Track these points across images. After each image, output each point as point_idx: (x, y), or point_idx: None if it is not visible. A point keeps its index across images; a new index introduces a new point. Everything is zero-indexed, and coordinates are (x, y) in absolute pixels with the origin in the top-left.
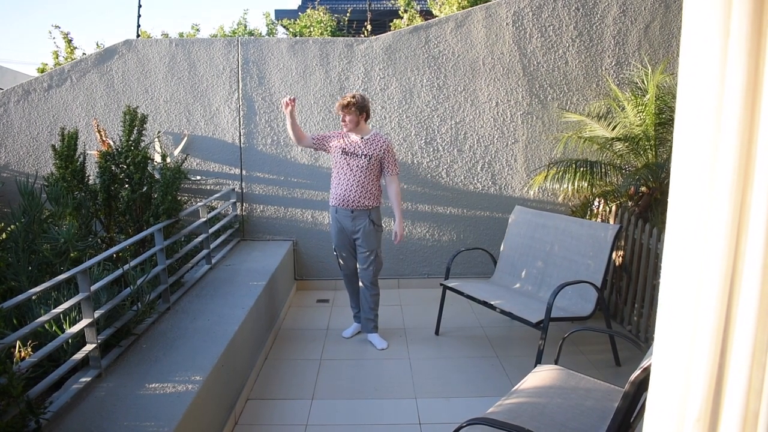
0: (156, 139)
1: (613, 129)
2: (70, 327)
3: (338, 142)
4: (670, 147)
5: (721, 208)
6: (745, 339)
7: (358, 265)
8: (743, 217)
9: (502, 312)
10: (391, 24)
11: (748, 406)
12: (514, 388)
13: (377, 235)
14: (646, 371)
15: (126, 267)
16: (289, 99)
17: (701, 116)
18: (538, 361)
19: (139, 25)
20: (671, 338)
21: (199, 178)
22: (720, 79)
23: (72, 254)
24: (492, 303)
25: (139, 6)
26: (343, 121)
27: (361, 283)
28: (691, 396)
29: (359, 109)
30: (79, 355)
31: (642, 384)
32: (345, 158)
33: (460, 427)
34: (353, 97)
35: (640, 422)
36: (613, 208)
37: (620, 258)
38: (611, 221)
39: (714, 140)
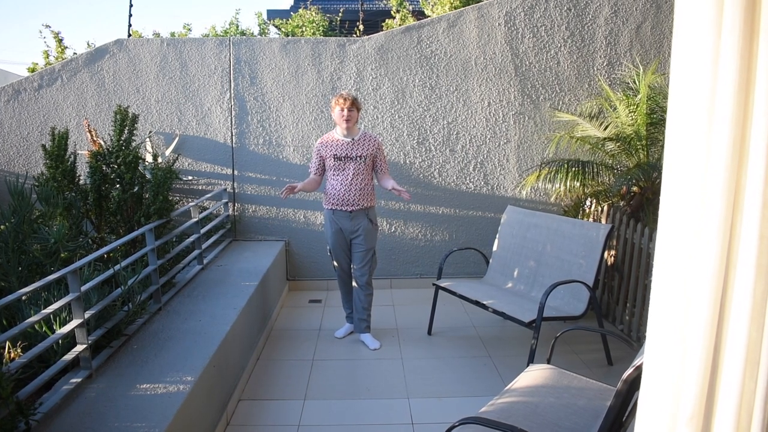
0: (147, 139)
1: (605, 129)
2: (60, 328)
3: (330, 152)
4: (662, 147)
5: (713, 205)
6: (738, 337)
7: (353, 265)
8: (736, 214)
9: (495, 312)
10: (383, 24)
11: (742, 404)
12: (507, 387)
13: (375, 233)
14: (639, 370)
15: (117, 267)
16: (285, 192)
17: (693, 115)
18: (531, 360)
19: (130, 25)
20: (663, 336)
21: (190, 178)
22: (712, 77)
23: (62, 255)
24: (484, 303)
25: (131, 5)
26: (349, 117)
27: (355, 283)
28: (684, 394)
29: (360, 106)
30: (69, 356)
31: (634, 382)
32: (339, 163)
33: (453, 427)
34: (354, 94)
35: (632, 421)
36: (605, 208)
37: (612, 258)
38: (603, 221)
39: (706, 138)
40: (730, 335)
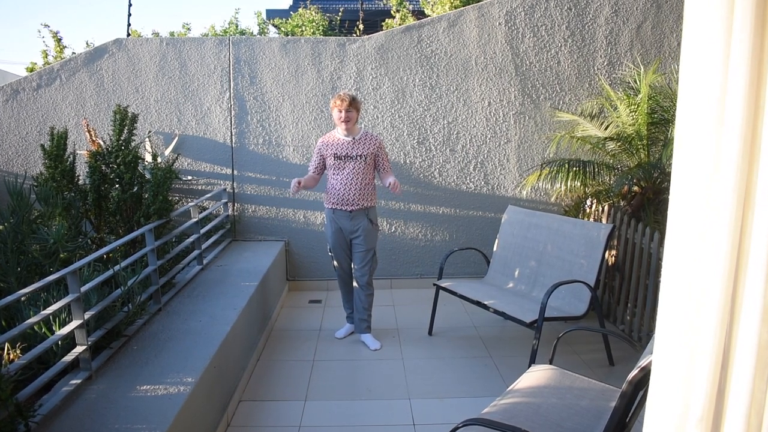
0: (146, 139)
1: (605, 129)
2: (59, 329)
3: (330, 151)
4: (663, 146)
5: (723, 205)
6: (748, 338)
7: (354, 265)
8: (746, 214)
9: (496, 312)
10: (383, 24)
11: (752, 405)
12: (509, 388)
13: (375, 233)
14: (644, 370)
15: (116, 268)
16: (294, 190)
17: (703, 114)
18: (532, 361)
19: (129, 24)
20: (672, 337)
21: (190, 178)
22: (723, 76)
23: (62, 255)
24: (485, 303)
25: (130, 5)
26: (347, 118)
27: (356, 283)
28: (694, 396)
29: (358, 106)
30: (68, 357)
31: (639, 384)
32: (339, 162)
33: (456, 428)
34: (352, 94)
35: (635, 421)
36: (606, 208)
37: (613, 258)
38: (604, 221)
39: (716, 139)
40: (740, 336)
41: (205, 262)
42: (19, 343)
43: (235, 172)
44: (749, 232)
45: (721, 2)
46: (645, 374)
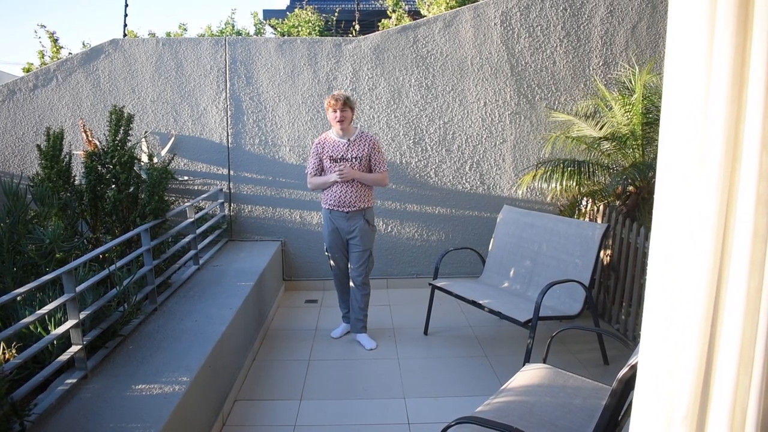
0: (143, 139)
1: (600, 128)
2: (55, 328)
3: (326, 153)
4: (657, 146)
5: (707, 201)
6: (732, 336)
7: (350, 265)
8: (729, 210)
9: (491, 311)
10: (379, 24)
11: (736, 401)
12: (503, 387)
13: (372, 234)
14: (634, 369)
15: (112, 268)
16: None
17: (687, 111)
18: (527, 360)
19: (125, 25)
20: (657, 335)
21: (186, 178)
22: (706, 74)
23: (57, 255)
24: (480, 302)
25: (126, 5)
26: (342, 118)
27: (352, 283)
28: (679, 393)
29: (353, 105)
30: (64, 357)
31: (630, 382)
32: (335, 164)
33: (449, 427)
34: (346, 94)
35: (627, 420)
36: (601, 208)
37: (608, 257)
38: (599, 220)
39: (701, 135)
40: (724, 333)
41: (201, 262)
42: (14, 343)
43: (232, 173)
44: (732, 228)
45: (703, 1)
46: (635, 372)
